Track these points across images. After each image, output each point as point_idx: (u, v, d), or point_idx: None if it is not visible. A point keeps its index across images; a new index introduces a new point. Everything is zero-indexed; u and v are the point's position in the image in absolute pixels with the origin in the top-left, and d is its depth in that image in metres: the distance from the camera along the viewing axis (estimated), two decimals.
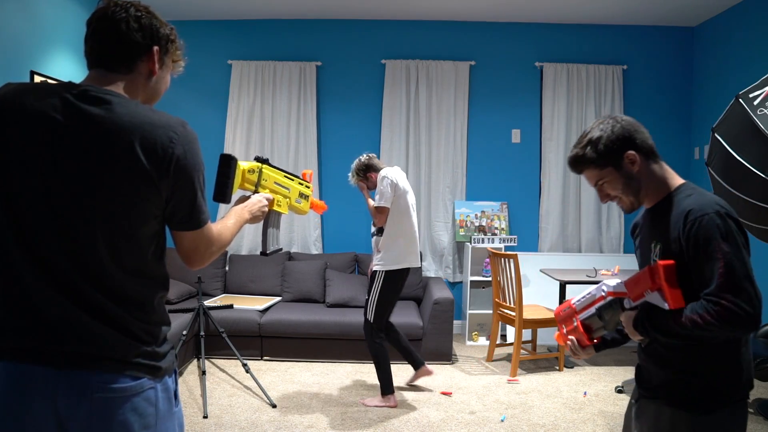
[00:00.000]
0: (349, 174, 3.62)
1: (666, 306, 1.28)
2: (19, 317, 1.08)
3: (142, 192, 1.09)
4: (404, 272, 3.40)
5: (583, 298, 1.50)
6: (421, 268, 4.71)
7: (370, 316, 3.36)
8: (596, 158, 1.38)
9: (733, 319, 1.21)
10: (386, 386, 3.33)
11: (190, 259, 1.23)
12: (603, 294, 1.42)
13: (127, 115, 1.08)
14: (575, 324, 1.51)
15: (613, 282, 1.40)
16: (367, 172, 3.54)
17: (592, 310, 1.46)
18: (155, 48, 1.19)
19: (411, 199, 3.47)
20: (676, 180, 1.42)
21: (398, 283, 3.40)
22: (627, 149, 1.36)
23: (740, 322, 1.21)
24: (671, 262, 1.28)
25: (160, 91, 1.27)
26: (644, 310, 1.34)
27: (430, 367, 3.59)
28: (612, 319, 1.43)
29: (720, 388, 1.32)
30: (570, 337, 1.54)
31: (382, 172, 3.40)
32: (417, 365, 3.54)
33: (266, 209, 1.58)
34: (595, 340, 1.54)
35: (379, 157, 5.02)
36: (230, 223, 1.36)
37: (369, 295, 3.40)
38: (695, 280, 1.29)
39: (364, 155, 3.58)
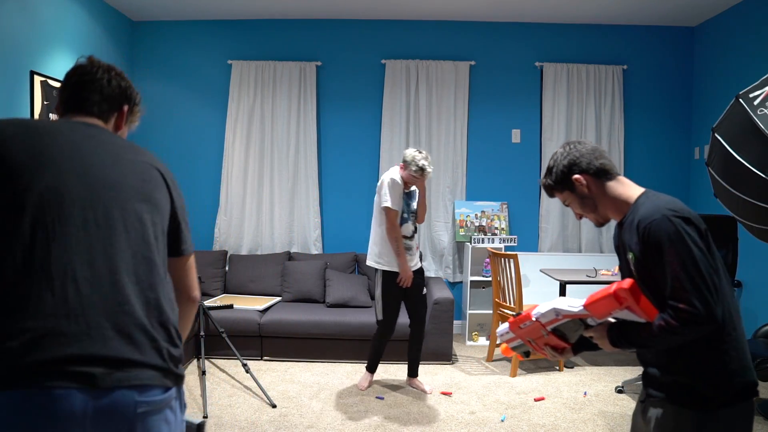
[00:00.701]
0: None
1: (640, 319, 1.32)
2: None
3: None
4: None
5: (541, 314, 1.50)
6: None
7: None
8: (554, 185, 1.57)
9: (691, 320, 1.26)
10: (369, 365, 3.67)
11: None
12: (557, 317, 1.45)
13: (139, 152, 1.30)
14: (547, 334, 1.51)
15: (569, 306, 1.42)
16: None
17: (555, 325, 1.49)
18: (125, 107, 1.36)
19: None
20: (635, 192, 1.48)
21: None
22: (574, 173, 1.51)
23: (698, 321, 1.25)
24: (629, 283, 1.30)
25: None
26: (617, 327, 1.39)
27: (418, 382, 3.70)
28: (573, 334, 1.49)
29: (722, 388, 1.33)
30: (546, 347, 1.56)
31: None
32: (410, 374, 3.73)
33: None
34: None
35: (378, 157, 5.05)
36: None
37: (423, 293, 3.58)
38: (661, 286, 1.33)
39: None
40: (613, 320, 1.41)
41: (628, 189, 1.49)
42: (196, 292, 1.38)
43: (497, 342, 1.63)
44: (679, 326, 1.27)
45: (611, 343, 1.41)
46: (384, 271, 3.46)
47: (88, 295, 1.07)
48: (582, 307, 1.39)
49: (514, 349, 1.61)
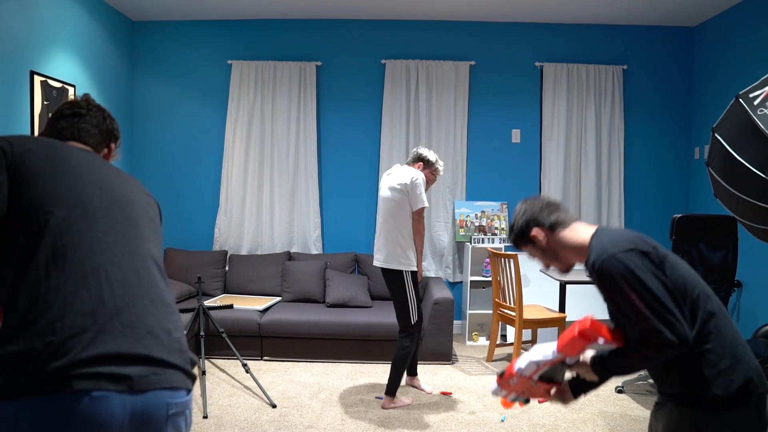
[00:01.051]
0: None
1: (611, 345, 1.44)
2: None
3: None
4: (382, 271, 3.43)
5: (522, 369, 1.59)
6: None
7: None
8: (516, 241, 1.71)
9: (663, 346, 1.34)
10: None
11: None
12: (538, 367, 1.56)
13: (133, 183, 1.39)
14: (536, 385, 1.61)
15: (544, 355, 1.53)
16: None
17: (535, 377, 1.60)
18: (113, 145, 1.50)
19: (379, 199, 3.46)
20: (588, 234, 1.57)
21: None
22: (532, 229, 1.65)
23: (671, 346, 1.34)
24: (589, 320, 1.43)
25: None
26: (599, 362, 1.48)
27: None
28: (560, 376, 1.60)
29: (721, 387, 1.35)
30: (553, 390, 1.66)
31: None
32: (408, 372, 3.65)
33: None
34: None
35: (378, 157, 5.05)
36: None
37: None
38: (631, 318, 1.41)
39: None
40: (591, 353, 1.52)
41: (581, 233, 1.58)
42: None
43: (493, 394, 1.71)
44: (655, 354, 1.36)
45: (599, 378, 1.52)
46: (412, 272, 3.33)
47: (122, 296, 1.10)
48: (556, 352, 1.50)
49: (512, 401, 1.68)
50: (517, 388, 1.62)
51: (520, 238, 1.69)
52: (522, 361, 1.56)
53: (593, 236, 1.54)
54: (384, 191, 3.40)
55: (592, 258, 1.46)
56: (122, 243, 1.18)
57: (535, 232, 1.63)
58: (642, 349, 1.38)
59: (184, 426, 1.14)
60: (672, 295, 1.37)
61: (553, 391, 1.63)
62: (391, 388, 3.31)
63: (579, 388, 1.66)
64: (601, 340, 1.44)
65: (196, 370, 3.62)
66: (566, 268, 1.65)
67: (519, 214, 1.69)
